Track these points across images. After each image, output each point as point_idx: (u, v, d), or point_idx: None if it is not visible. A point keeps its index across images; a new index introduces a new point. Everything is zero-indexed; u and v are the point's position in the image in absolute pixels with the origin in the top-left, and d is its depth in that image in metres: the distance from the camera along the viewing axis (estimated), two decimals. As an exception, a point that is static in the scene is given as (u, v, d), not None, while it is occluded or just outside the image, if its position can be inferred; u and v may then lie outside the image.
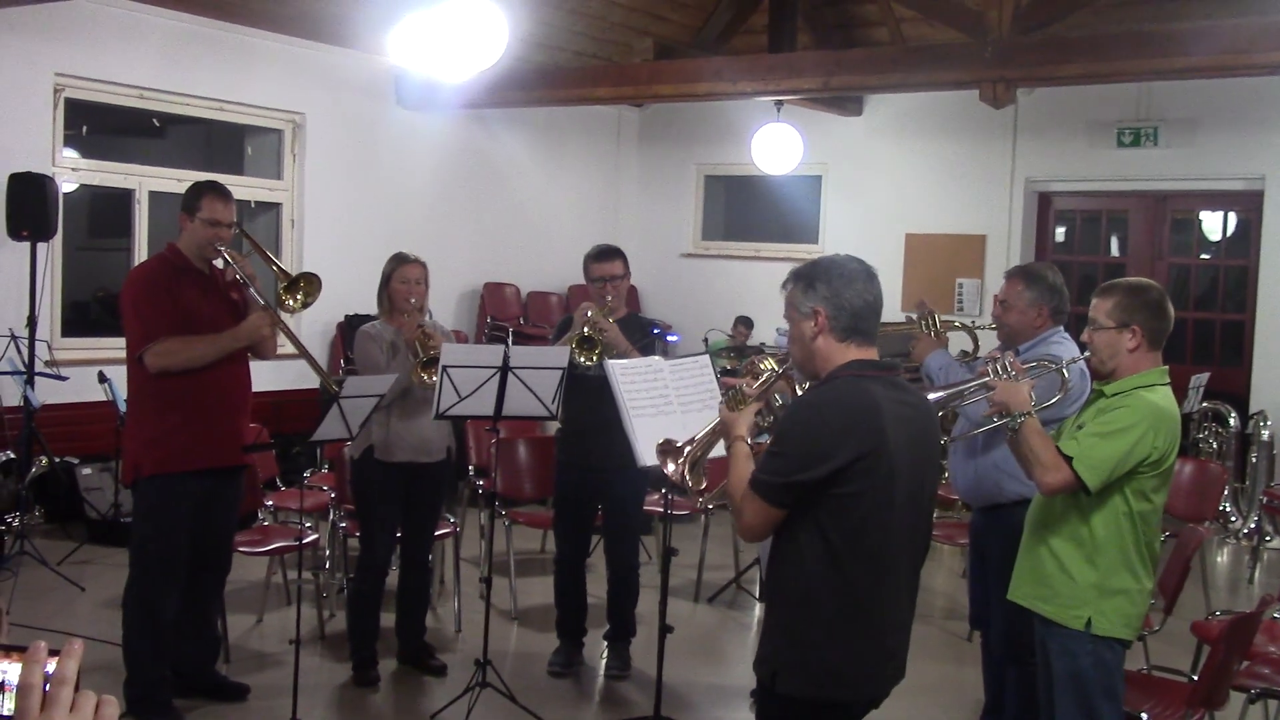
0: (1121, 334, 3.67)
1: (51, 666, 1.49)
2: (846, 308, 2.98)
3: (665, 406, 4.62)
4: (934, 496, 3.21)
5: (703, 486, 3.55)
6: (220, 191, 5.07)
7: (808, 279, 3.04)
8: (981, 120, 10.55)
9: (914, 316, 4.87)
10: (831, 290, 2.99)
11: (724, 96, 10.04)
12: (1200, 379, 9.17)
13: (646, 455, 4.57)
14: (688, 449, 3.47)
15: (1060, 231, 11.55)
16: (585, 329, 5.44)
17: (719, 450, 3.32)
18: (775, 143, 11.00)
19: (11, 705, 1.51)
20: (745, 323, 11.49)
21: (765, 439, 3.18)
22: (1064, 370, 4.03)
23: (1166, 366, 3.74)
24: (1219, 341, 10.71)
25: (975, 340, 4.99)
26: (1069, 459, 3.59)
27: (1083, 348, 3.84)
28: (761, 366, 3.32)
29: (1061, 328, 4.62)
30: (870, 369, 3.00)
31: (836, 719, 3.05)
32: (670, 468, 3.49)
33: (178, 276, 4.99)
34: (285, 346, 5.32)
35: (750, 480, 2.98)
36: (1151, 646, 5.26)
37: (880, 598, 2.97)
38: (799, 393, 3.32)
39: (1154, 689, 4.44)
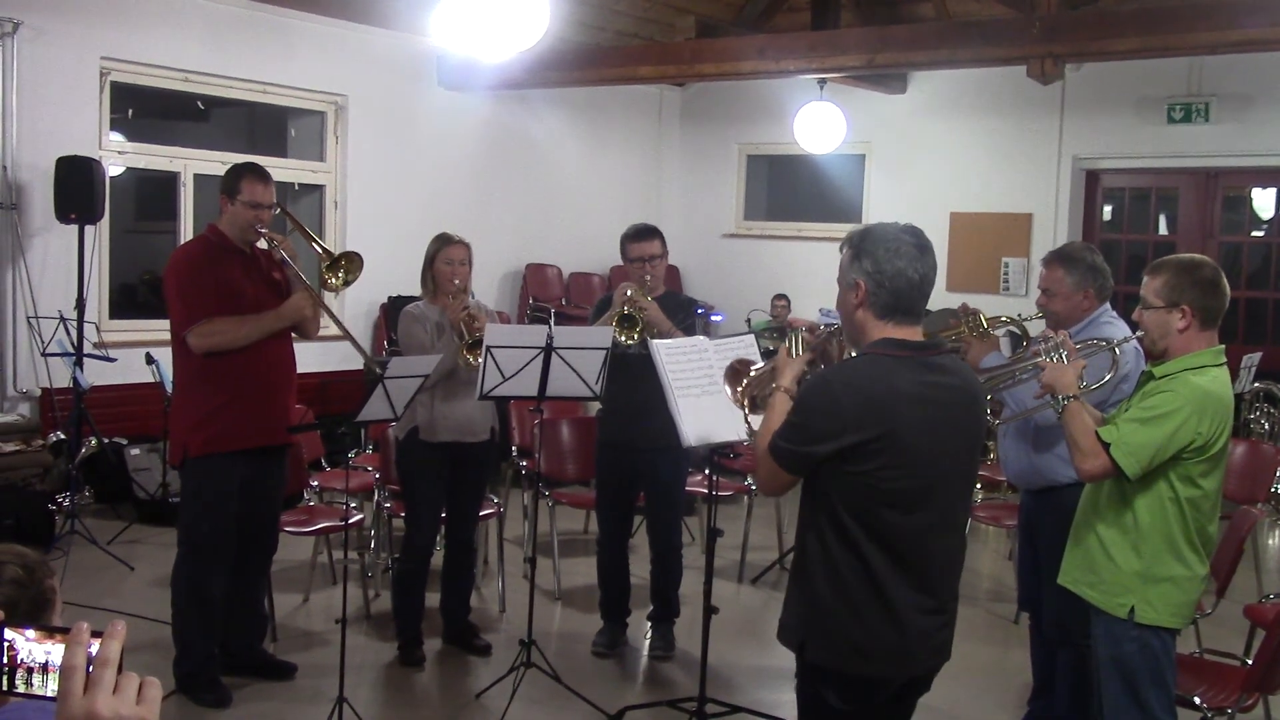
0: (1171, 313, 3.56)
1: (95, 648, 1.49)
2: (888, 285, 2.91)
3: (710, 386, 4.58)
4: (972, 479, 3.15)
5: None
6: (259, 173, 5.08)
7: (856, 248, 2.97)
8: (1028, 97, 10.40)
9: (958, 316, 4.73)
10: (875, 265, 2.91)
11: (767, 75, 9.96)
12: (1252, 359, 9.04)
13: (691, 435, 4.55)
14: (747, 379, 3.46)
15: (1108, 210, 11.40)
16: (625, 308, 5.43)
17: None
18: (818, 121, 10.92)
19: (55, 687, 1.52)
20: (783, 297, 11.42)
21: None
22: (1115, 350, 3.96)
23: (1222, 346, 3.63)
24: (1271, 320, 10.54)
25: (1025, 334, 4.90)
26: (1107, 445, 3.51)
27: (1134, 327, 3.76)
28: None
29: (1108, 305, 4.54)
30: (900, 349, 2.92)
31: (867, 693, 3.02)
32: (729, 391, 3.50)
33: (220, 256, 5.01)
34: (329, 327, 5.34)
35: (769, 441, 2.99)
36: (1203, 630, 5.19)
37: (902, 578, 2.92)
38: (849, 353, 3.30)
39: (1206, 673, 4.37)
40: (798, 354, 3.22)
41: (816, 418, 2.89)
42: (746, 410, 3.45)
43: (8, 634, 1.56)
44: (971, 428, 3.04)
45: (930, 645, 3.03)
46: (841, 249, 3.04)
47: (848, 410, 2.85)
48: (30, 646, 1.55)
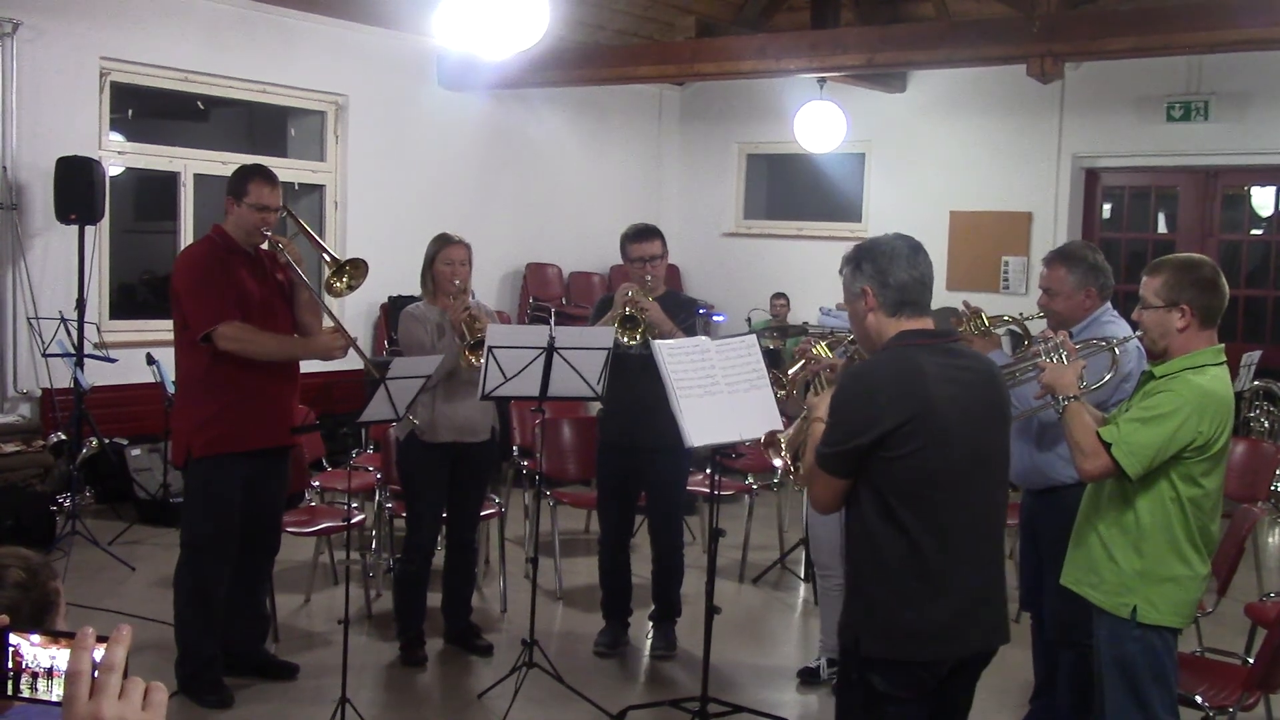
0: (1170, 313, 3.56)
1: (100, 653, 1.49)
2: (892, 284, 3.10)
3: (712, 387, 4.58)
4: (1006, 456, 3.25)
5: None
6: (267, 176, 5.08)
7: (855, 261, 3.19)
8: (1028, 95, 10.40)
9: (960, 315, 4.72)
10: (876, 269, 3.11)
11: (767, 74, 9.96)
12: (1252, 357, 9.05)
13: (694, 435, 4.55)
14: (785, 439, 3.61)
15: (1107, 208, 11.39)
16: (626, 309, 5.42)
17: None
18: (818, 120, 10.91)
19: (60, 692, 1.52)
20: (783, 296, 11.41)
21: None
22: (1115, 350, 3.95)
23: (1222, 345, 3.63)
24: (1271, 319, 10.55)
25: (1026, 333, 4.89)
26: (1108, 445, 3.52)
27: (1135, 326, 3.76)
28: (814, 352, 3.42)
29: (1109, 304, 4.53)
30: (918, 337, 3.09)
31: (917, 678, 3.08)
32: (777, 461, 3.65)
33: (226, 258, 5.01)
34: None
35: (815, 455, 3.13)
36: (1204, 629, 5.19)
37: (949, 557, 3.02)
38: None
39: (1208, 671, 4.38)
40: (824, 389, 3.41)
41: (853, 412, 3.03)
42: (794, 470, 3.60)
43: (12, 638, 1.56)
44: (998, 404, 3.19)
45: (981, 625, 3.12)
46: (841, 271, 3.24)
47: (881, 396, 3.00)
48: (35, 651, 1.56)
